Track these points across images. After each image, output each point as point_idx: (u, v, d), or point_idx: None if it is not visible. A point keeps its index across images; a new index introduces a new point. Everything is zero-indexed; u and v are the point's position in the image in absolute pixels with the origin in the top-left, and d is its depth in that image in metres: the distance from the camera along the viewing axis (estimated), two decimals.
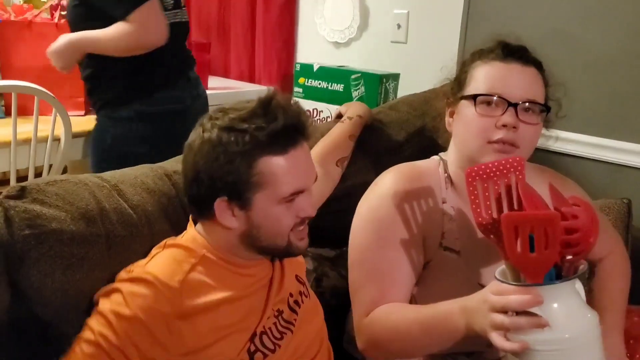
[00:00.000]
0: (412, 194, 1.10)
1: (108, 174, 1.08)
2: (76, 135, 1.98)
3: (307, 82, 2.13)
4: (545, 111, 1.08)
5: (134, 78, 1.76)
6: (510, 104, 1.03)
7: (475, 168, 0.92)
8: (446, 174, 1.14)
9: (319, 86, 2.10)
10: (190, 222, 1.01)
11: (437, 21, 2.05)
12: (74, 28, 1.78)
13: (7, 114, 2.06)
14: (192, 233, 0.98)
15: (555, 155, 1.86)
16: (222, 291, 0.94)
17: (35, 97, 1.84)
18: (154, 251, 0.98)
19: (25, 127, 1.89)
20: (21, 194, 0.90)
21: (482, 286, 1.08)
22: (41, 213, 0.89)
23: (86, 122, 2.07)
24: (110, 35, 1.68)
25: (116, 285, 0.92)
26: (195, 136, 0.93)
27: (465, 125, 1.08)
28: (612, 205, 1.54)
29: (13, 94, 1.81)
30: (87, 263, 0.92)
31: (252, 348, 0.96)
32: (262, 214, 0.93)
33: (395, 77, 2.07)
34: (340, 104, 2.04)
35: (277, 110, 0.90)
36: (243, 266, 0.99)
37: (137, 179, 1.07)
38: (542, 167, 1.23)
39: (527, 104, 1.04)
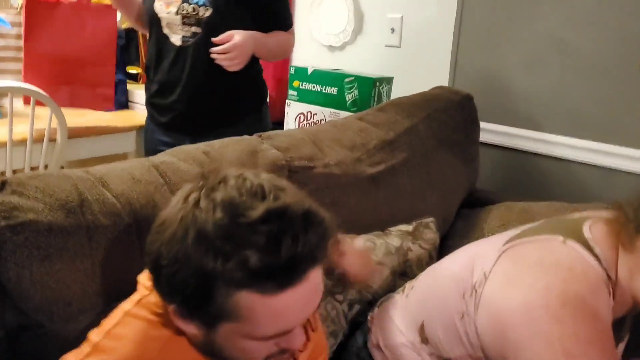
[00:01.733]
0: (598, 304, 0.92)
1: (95, 168, 1.08)
2: (72, 136, 2.00)
3: (302, 85, 2.14)
4: None
5: (226, 103, 1.78)
6: None
7: None
8: (608, 279, 0.95)
9: (313, 89, 2.11)
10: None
11: (431, 26, 2.06)
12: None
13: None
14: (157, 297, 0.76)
15: (548, 160, 1.86)
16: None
17: (31, 98, 1.86)
18: (113, 319, 0.79)
19: (22, 128, 1.92)
20: (1, 187, 0.90)
21: None
22: (18, 205, 0.88)
23: (84, 123, 2.09)
24: (282, 41, 1.76)
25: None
26: (176, 207, 0.70)
27: None
28: None
29: (9, 94, 1.84)
30: (66, 254, 0.91)
31: None
32: (226, 343, 0.72)
33: (388, 80, 2.07)
34: (334, 107, 2.07)
35: (285, 236, 0.64)
36: None
37: (124, 171, 1.07)
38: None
39: None
